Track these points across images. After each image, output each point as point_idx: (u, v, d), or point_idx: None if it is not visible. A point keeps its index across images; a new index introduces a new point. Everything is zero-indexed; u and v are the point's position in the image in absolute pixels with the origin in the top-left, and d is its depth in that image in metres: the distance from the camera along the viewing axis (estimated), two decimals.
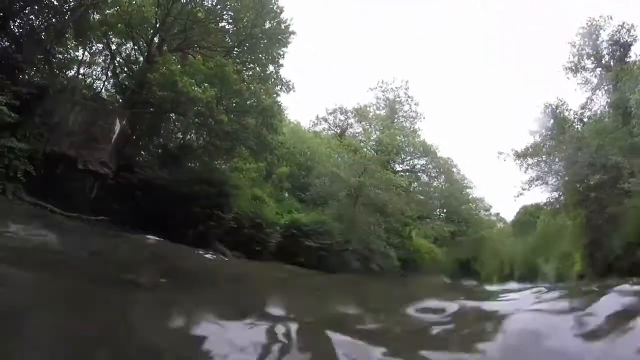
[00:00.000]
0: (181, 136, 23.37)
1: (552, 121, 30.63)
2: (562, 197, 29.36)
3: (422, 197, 42.18)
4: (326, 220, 26.98)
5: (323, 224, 26.21)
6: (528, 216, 65.83)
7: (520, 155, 29.66)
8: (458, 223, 43.74)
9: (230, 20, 23.30)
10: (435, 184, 45.53)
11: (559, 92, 59.10)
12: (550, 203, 30.91)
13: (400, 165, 44.77)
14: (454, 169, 46.57)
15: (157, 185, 17.40)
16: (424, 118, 49.41)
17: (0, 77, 14.18)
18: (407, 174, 43.54)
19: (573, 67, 31.28)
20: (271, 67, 24.19)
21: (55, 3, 17.45)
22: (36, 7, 16.90)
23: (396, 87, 48.42)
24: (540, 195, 50.40)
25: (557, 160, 28.80)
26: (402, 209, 32.04)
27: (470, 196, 48.44)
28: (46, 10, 17.28)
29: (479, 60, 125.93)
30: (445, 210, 45.27)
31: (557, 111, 30.64)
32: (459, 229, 43.31)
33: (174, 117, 22.54)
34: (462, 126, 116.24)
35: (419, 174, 45.26)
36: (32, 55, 16.90)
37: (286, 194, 31.53)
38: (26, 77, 17.10)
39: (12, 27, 16.80)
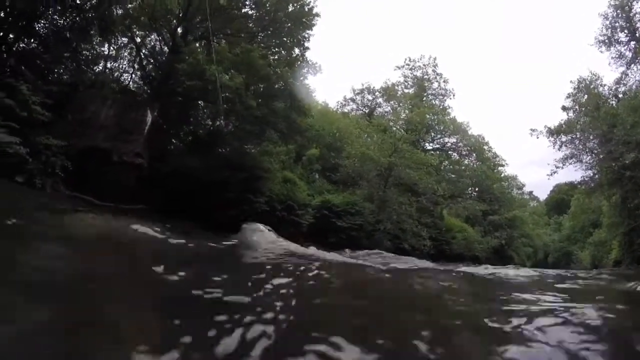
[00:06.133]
0: (210, 123, 23.55)
1: (585, 97, 29.54)
2: (597, 176, 28.36)
3: (453, 176, 41.75)
4: (357, 200, 26.95)
5: (354, 204, 26.18)
6: (562, 195, 64.31)
7: (554, 133, 28.86)
8: (490, 202, 42.97)
9: (253, 6, 23.23)
10: (466, 162, 44.86)
11: (593, 67, 56.99)
12: (585, 182, 29.93)
13: (431, 144, 44.33)
14: (485, 147, 45.70)
15: (189, 173, 17.58)
16: (453, 95, 48.78)
17: (31, 78, 14.48)
18: (438, 152, 42.99)
19: (606, 40, 29.97)
20: (297, 50, 23.91)
21: (78, 2, 17.65)
22: (59, 7, 17.16)
23: (424, 65, 47.87)
24: (574, 173, 49.01)
25: (591, 137, 27.84)
26: (433, 188, 31.79)
27: (502, 174, 47.51)
28: (70, 10, 17.51)
29: (509, 34, 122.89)
30: (476, 189, 44.47)
31: (591, 87, 29.53)
32: (491, 207, 42.54)
33: (202, 105, 22.73)
34: (494, 103, 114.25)
35: (449, 152, 44.68)
36: (60, 54, 17.16)
37: (317, 176, 31.56)
38: (55, 75, 17.45)
39: (37, 28, 17.11)
